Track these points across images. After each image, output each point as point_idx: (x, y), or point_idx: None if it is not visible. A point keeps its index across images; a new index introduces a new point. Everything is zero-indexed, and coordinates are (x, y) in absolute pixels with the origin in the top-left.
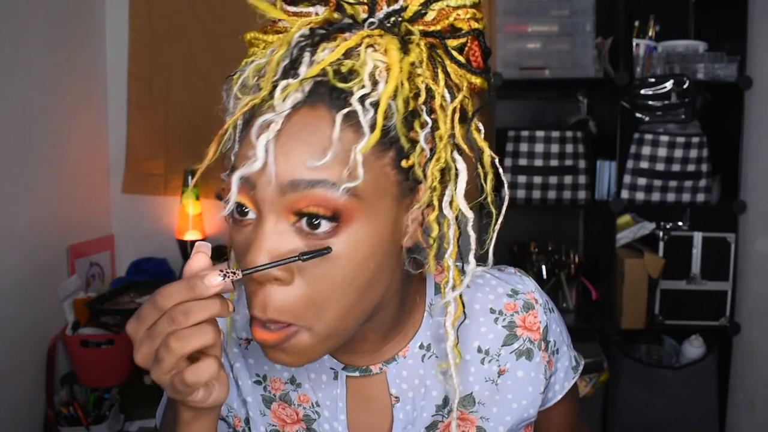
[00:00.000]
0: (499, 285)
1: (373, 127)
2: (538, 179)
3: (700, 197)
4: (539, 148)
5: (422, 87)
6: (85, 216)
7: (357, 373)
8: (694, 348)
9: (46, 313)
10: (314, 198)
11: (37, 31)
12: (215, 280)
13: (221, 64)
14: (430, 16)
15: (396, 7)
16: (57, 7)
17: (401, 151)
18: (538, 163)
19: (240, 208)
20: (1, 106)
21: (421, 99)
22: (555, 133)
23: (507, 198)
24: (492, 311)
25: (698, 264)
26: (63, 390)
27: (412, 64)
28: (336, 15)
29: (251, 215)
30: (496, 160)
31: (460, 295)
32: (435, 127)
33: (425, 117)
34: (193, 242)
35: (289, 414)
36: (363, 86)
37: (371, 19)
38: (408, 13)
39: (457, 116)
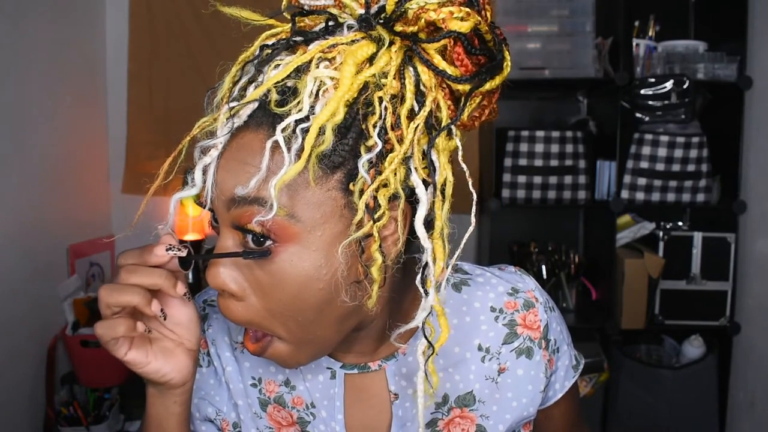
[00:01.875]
0: (499, 283)
1: (299, 156)
2: (538, 179)
3: (700, 197)
4: (539, 148)
5: (378, 104)
6: (85, 216)
7: (355, 370)
8: (694, 348)
9: (46, 313)
10: (250, 215)
11: (37, 31)
12: (160, 251)
13: (221, 64)
14: (411, 14)
15: (382, 4)
16: (57, 7)
17: (352, 172)
18: (538, 163)
19: (215, 217)
20: (1, 106)
21: (374, 118)
22: (555, 133)
23: (472, 228)
24: (492, 309)
25: (698, 264)
26: (63, 390)
27: (376, 75)
28: (336, 15)
29: None
30: (470, 185)
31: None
32: (391, 148)
33: (375, 139)
34: (193, 242)
35: (284, 416)
36: (300, 109)
37: (351, 22)
38: (387, 12)
39: (417, 135)
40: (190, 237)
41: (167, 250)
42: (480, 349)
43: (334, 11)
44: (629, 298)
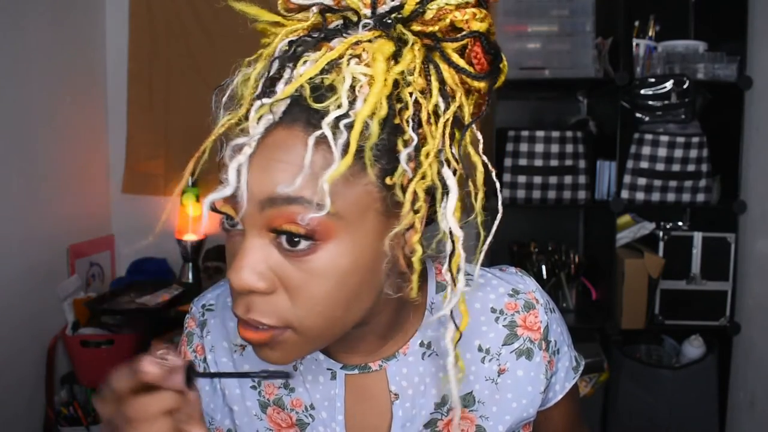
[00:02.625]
0: (500, 284)
1: (345, 152)
2: (538, 179)
3: (700, 197)
4: (539, 148)
5: (410, 100)
6: (85, 216)
7: (356, 371)
8: (694, 348)
9: (46, 313)
10: (290, 215)
11: (37, 31)
12: (147, 368)
13: (221, 64)
14: (429, 15)
15: (395, 3)
16: (57, 7)
17: (386, 167)
18: (538, 163)
19: (229, 219)
20: (1, 106)
21: (408, 113)
22: (555, 133)
23: (500, 217)
24: (493, 310)
25: (698, 264)
26: (63, 390)
27: (403, 72)
28: (332, 15)
29: (240, 226)
30: (494, 174)
31: (463, 306)
32: (423, 142)
33: (410, 133)
34: (193, 243)
35: (283, 418)
36: (339, 105)
37: (366, 20)
38: (405, 12)
39: (448, 130)
40: (190, 236)
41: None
42: (480, 349)
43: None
44: (629, 298)
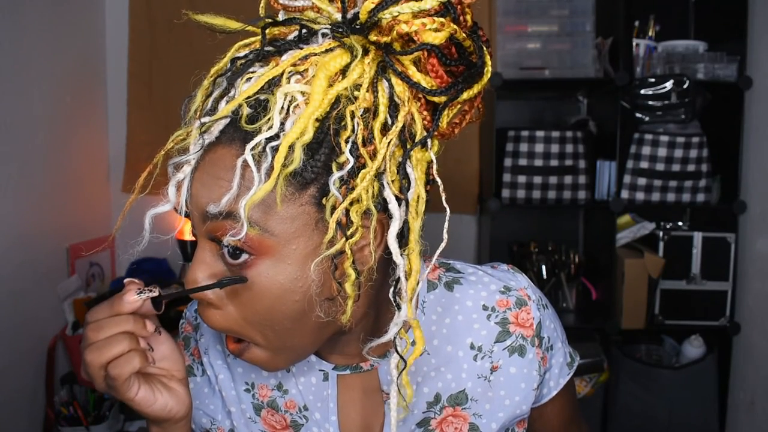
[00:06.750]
0: (491, 282)
1: (269, 175)
2: (538, 179)
3: (700, 197)
4: (539, 148)
5: (349, 119)
6: (85, 216)
7: (348, 371)
8: (694, 348)
9: (46, 313)
10: (225, 229)
11: (37, 32)
12: (131, 298)
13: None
14: (384, 24)
15: (357, 10)
16: (57, 7)
17: (323, 188)
18: (538, 163)
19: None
20: (1, 106)
21: (346, 133)
22: (555, 133)
23: (443, 245)
24: (484, 308)
25: (698, 264)
26: (63, 390)
27: (348, 88)
28: (314, 21)
29: None
30: (443, 199)
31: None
32: (362, 164)
33: (347, 155)
34: (192, 243)
35: (278, 420)
36: (271, 126)
37: (324, 30)
38: (362, 21)
39: (390, 151)
40: (190, 236)
41: (138, 294)
42: (472, 347)
43: (311, 14)
44: (629, 298)
